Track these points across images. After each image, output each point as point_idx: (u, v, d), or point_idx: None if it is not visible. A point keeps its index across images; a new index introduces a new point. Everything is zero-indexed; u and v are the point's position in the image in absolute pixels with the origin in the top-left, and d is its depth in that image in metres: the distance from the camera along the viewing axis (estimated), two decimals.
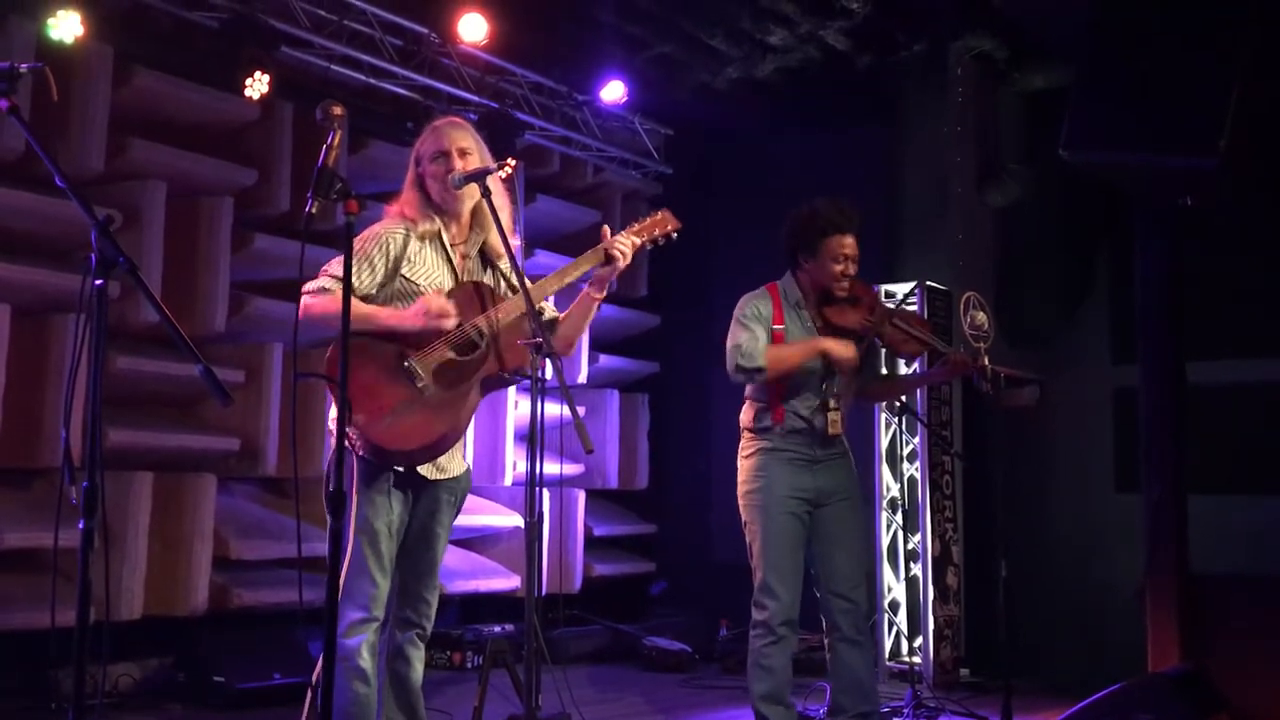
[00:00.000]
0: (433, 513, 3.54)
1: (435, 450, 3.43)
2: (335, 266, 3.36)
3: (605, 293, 3.69)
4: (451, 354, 3.43)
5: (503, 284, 3.64)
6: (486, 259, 3.65)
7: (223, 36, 5.66)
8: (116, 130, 5.51)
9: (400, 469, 3.42)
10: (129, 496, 5.38)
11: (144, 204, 5.55)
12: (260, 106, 5.96)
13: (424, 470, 3.47)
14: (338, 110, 3.06)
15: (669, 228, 3.75)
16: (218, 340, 5.86)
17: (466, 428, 3.55)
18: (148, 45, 5.75)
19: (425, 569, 3.56)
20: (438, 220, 3.54)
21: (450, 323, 3.39)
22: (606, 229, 3.68)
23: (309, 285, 3.41)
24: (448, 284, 3.51)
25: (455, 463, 3.57)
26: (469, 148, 3.53)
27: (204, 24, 5.69)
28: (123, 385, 5.48)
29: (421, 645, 3.59)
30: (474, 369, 3.46)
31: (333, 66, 6.25)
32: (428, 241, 3.53)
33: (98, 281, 2.72)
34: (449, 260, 3.55)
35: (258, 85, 5.71)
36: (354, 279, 3.25)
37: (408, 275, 3.47)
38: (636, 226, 3.72)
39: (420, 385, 3.37)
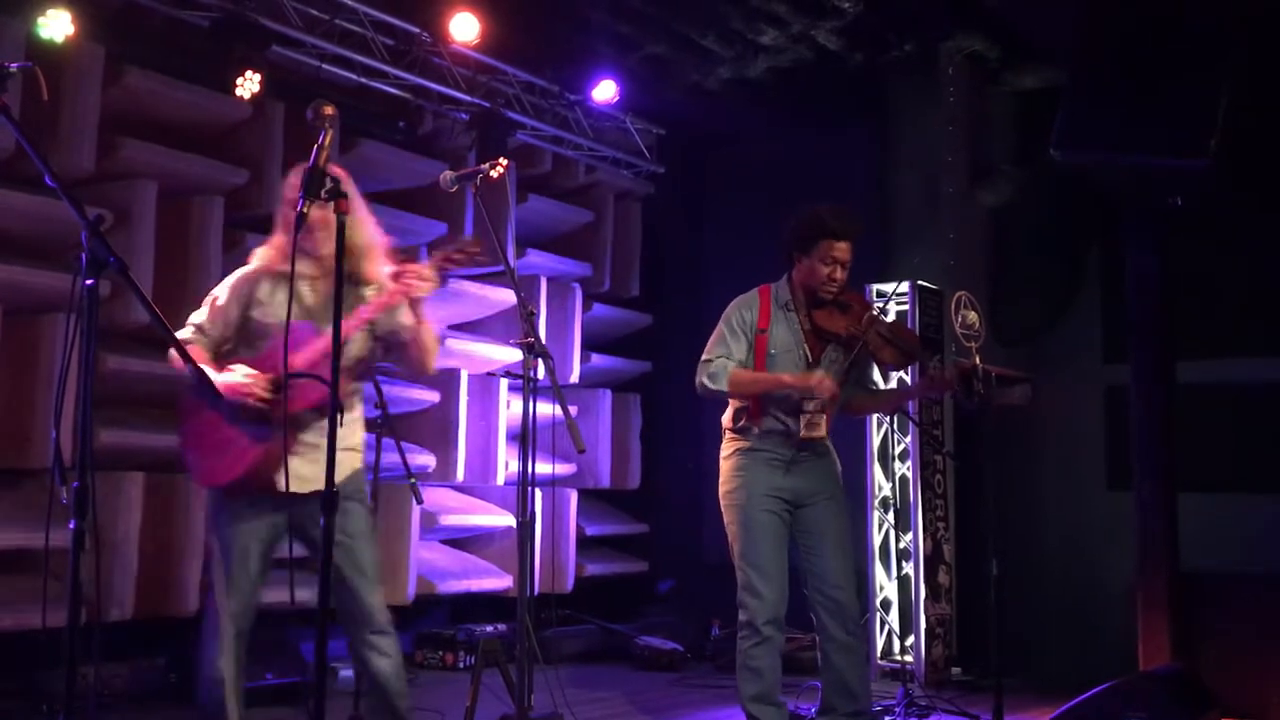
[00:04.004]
0: (313, 524, 3.55)
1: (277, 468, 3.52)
2: (196, 316, 3.66)
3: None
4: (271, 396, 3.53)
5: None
6: (358, 282, 3.68)
7: (213, 36, 5.65)
8: (107, 130, 5.49)
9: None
10: (120, 497, 5.37)
11: (135, 204, 5.53)
12: (251, 106, 5.94)
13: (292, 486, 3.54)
14: (329, 110, 3.06)
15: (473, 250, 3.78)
16: None
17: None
18: (138, 44, 5.73)
19: (346, 576, 3.62)
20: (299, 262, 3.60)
21: (256, 389, 3.50)
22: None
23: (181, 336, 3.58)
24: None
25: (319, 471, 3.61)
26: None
27: (195, 23, 5.67)
28: (114, 385, 5.46)
29: (383, 644, 3.64)
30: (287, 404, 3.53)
31: (324, 66, 6.24)
32: (284, 281, 3.58)
33: (88, 281, 2.71)
34: (300, 297, 3.62)
35: (249, 85, 5.70)
36: (211, 328, 3.65)
37: (257, 317, 3.64)
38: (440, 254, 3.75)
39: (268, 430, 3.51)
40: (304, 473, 3.56)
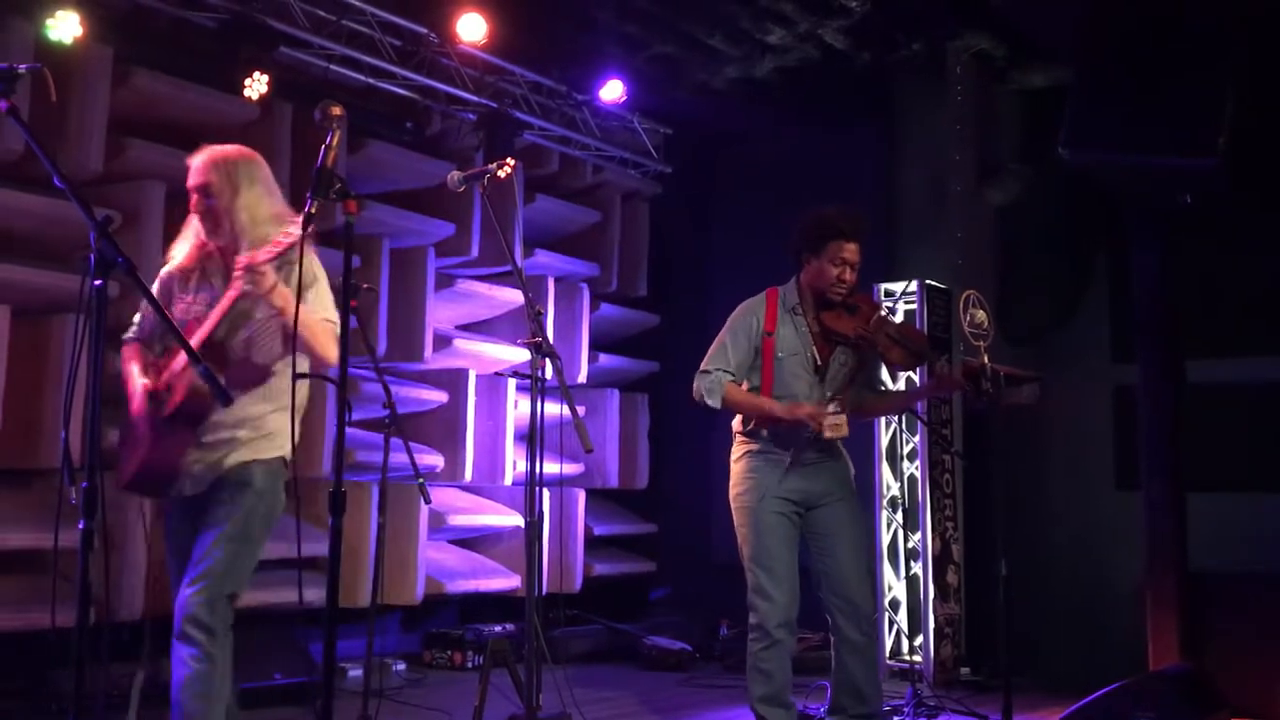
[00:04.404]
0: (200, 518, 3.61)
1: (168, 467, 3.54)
2: (136, 317, 3.70)
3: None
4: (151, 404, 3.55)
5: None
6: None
7: (221, 37, 5.66)
8: (115, 131, 5.50)
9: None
10: (129, 497, 5.37)
11: (143, 204, 5.54)
12: (259, 107, 5.95)
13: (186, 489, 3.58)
14: (336, 110, 3.06)
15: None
16: None
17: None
18: (146, 46, 5.74)
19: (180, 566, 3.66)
20: (204, 258, 3.61)
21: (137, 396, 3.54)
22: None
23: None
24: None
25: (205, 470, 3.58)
26: (210, 182, 3.53)
27: (202, 24, 5.69)
28: (122, 386, 5.47)
29: (182, 650, 3.59)
30: (167, 407, 3.52)
31: (332, 66, 6.25)
32: (194, 276, 3.61)
33: (97, 282, 2.72)
34: (211, 291, 3.58)
35: (256, 85, 5.71)
36: (140, 329, 3.69)
37: (175, 314, 3.57)
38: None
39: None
40: (194, 472, 3.55)
